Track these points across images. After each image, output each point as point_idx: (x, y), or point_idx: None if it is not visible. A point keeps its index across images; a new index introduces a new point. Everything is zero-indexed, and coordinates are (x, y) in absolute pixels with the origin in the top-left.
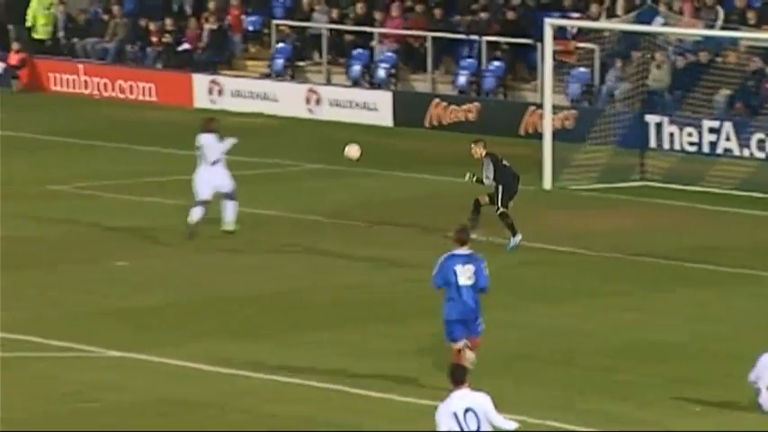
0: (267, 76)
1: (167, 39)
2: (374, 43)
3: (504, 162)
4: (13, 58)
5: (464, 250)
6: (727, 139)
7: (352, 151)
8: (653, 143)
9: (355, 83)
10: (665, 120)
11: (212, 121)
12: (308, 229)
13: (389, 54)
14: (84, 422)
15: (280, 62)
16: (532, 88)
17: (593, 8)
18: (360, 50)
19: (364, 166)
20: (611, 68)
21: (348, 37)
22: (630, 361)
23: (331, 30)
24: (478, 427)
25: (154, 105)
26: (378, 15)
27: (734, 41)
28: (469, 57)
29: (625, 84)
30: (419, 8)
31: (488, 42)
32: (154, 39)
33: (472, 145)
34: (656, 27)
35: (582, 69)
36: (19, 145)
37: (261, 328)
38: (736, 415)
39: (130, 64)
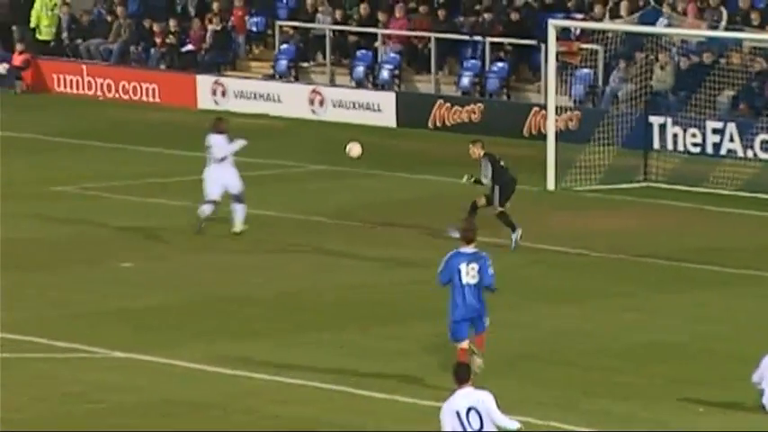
0: (271, 77)
1: (171, 40)
2: (378, 44)
3: (502, 163)
4: (17, 59)
5: (470, 248)
6: (731, 140)
7: (354, 149)
8: (656, 144)
9: (359, 84)
10: (669, 121)
11: (222, 122)
12: (311, 230)
13: (393, 55)
14: (88, 423)
15: (283, 63)
16: (536, 89)
17: (597, 9)
18: (363, 51)
19: (368, 167)
20: (614, 69)
21: (352, 38)
22: (634, 361)
23: (335, 31)
24: (481, 427)
25: (157, 106)
26: (381, 16)
27: (738, 42)
28: (473, 58)
29: (629, 85)
30: (423, 9)
31: (492, 43)
32: (157, 40)
33: (470, 145)
34: (659, 28)
35: (585, 70)
36: (23, 146)
37: (264, 328)
38: (739, 415)
39: (134, 65)
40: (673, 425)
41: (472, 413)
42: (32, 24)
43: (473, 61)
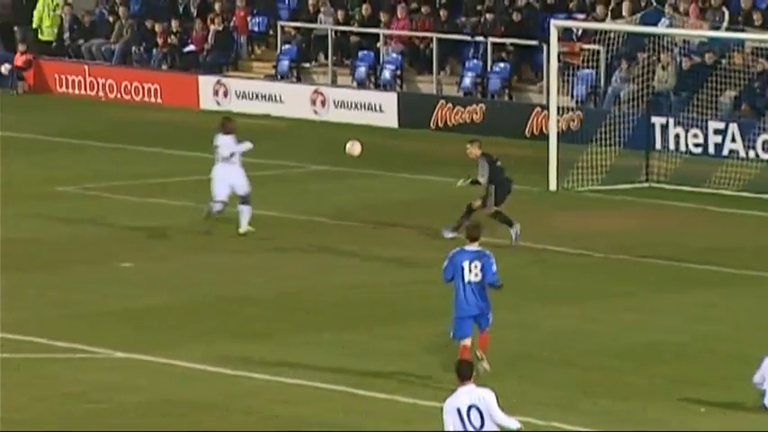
0: (273, 77)
1: (173, 40)
2: (380, 45)
3: (499, 163)
4: (19, 60)
5: (474, 247)
6: (733, 140)
7: (355, 148)
8: (658, 145)
9: (361, 84)
10: (671, 121)
11: (230, 122)
12: (312, 230)
13: (395, 55)
14: (88, 423)
15: (285, 63)
16: (538, 90)
17: (599, 9)
18: (365, 52)
19: (369, 167)
20: (616, 70)
21: (353, 38)
22: (634, 362)
23: (336, 31)
24: (482, 425)
25: (159, 107)
26: (383, 17)
27: (739, 43)
28: (475, 58)
29: (630, 85)
30: (424, 9)
31: (494, 44)
32: (159, 40)
33: (468, 145)
34: (661, 28)
35: (587, 71)
36: (24, 146)
37: (265, 328)
38: (740, 416)
39: (136, 65)
40: (673, 425)
41: (473, 411)
42: (34, 25)
43: (475, 61)
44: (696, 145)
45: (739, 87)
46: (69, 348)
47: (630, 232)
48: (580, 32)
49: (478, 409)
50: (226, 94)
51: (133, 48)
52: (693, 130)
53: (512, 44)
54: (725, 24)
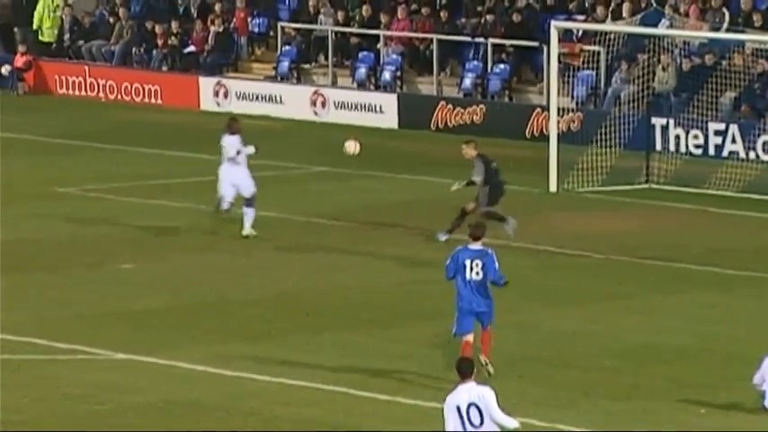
0: (273, 78)
1: (173, 41)
2: (380, 46)
3: (494, 164)
4: (19, 61)
5: (476, 245)
6: (733, 141)
7: (352, 147)
8: (659, 146)
9: (361, 85)
10: (671, 122)
11: (236, 122)
12: (312, 231)
13: (395, 56)
14: (88, 423)
15: (285, 64)
16: (538, 91)
17: (599, 10)
18: (365, 53)
19: (369, 168)
20: (616, 71)
21: (354, 39)
22: (634, 362)
23: (336, 32)
24: (481, 423)
25: (160, 108)
26: (383, 18)
27: (740, 44)
28: (475, 59)
29: (631, 86)
30: (425, 11)
31: (494, 45)
32: (160, 41)
33: (463, 145)
34: (661, 29)
35: (587, 72)
36: (24, 147)
37: (266, 330)
38: (740, 417)
39: (136, 66)
40: (673, 425)
41: (472, 409)
42: (35, 26)
43: (475, 63)
44: (696, 146)
45: (739, 88)
46: (70, 349)
47: (631, 233)
48: (580, 33)
49: (478, 407)
50: (226, 95)
51: (133, 49)
52: (694, 132)
53: (512, 45)
54: (725, 25)
